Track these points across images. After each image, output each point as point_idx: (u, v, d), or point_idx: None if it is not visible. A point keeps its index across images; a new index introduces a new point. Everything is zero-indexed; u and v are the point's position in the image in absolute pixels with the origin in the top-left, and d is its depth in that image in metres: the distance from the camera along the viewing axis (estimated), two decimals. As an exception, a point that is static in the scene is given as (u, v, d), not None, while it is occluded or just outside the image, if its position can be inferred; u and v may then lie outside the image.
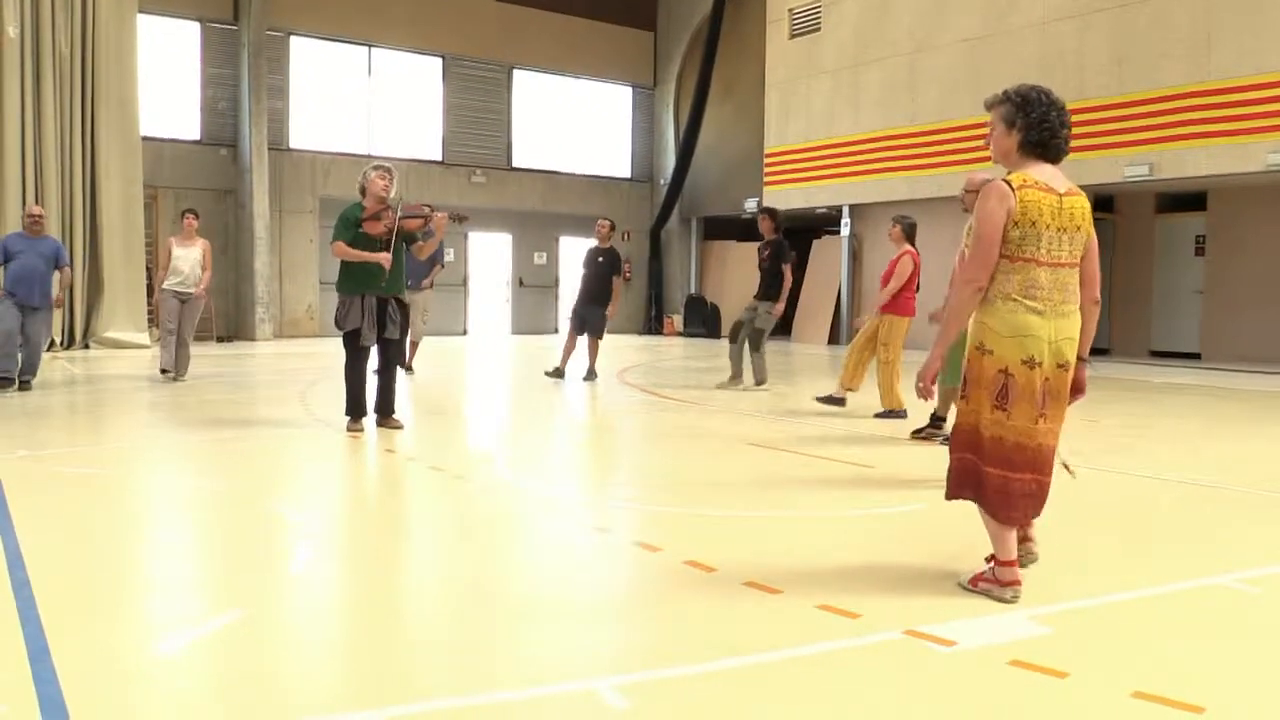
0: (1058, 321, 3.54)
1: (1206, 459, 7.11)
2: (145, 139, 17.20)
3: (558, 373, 11.86)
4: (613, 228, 12.30)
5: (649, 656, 3.11)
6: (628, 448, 7.63)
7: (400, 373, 8.54)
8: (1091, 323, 3.72)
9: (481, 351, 17.12)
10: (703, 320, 22.95)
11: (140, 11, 17.04)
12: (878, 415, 8.70)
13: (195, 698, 2.82)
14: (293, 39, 19.90)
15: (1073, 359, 3.62)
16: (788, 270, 10.67)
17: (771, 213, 11.08)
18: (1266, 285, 15.36)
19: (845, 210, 19.76)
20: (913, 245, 8.77)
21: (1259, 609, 3.71)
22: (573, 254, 24.12)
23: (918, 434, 7.53)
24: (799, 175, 20.31)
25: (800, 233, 23.37)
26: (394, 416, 7.68)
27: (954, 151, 17.23)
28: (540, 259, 23.56)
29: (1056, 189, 3.54)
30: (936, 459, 6.89)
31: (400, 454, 6.84)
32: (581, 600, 3.74)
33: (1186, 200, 16.58)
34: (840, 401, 9.20)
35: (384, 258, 7.33)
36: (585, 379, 11.76)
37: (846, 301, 20.15)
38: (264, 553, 4.37)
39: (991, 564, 3.69)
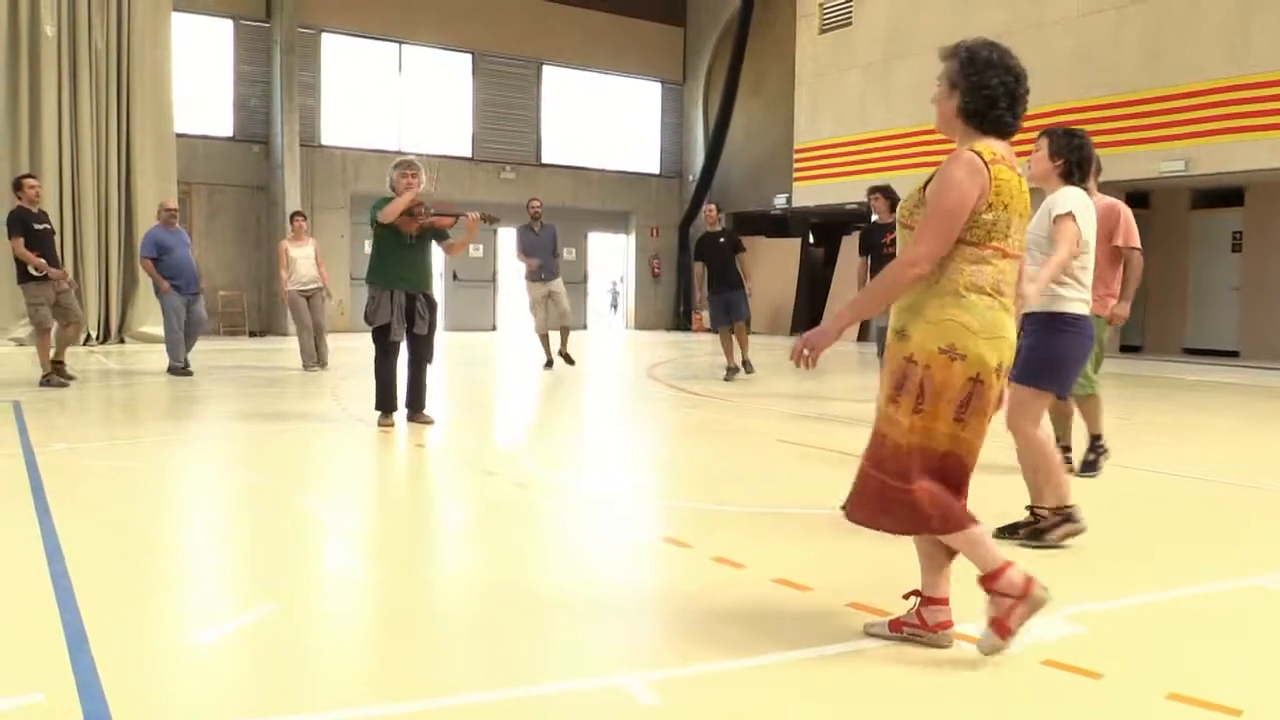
0: (1012, 321, 3.09)
1: (1242, 458, 7.01)
2: (179, 136, 17.39)
3: (732, 371, 11.36)
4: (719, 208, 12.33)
5: (679, 653, 3.11)
6: (657, 444, 7.63)
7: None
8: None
9: (511, 347, 17.18)
10: (732, 317, 22.86)
11: (174, 9, 17.23)
12: None
13: (229, 687, 2.86)
14: (324, 36, 20.03)
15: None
16: None
17: (886, 191, 9.61)
18: (1305, 282, 15.12)
19: (876, 206, 19.63)
20: None
21: (1297, 610, 3.66)
22: (601, 250, 24.17)
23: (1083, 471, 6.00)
24: (830, 171, 20.20)
25: (831, 228, 23.29)
26: (425, 411, 7.71)
27: (986, 146, 17.06)
28: (569, 254, 23.57)
29: (1016, 169, 3.06)
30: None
31: (431, 449, 6.88)
32: (611, 596, 3.75)
33: (1223, 196, 16.34)
34: None
35: (411, 197, 7.27)
36: (748, 372, 11.40)
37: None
38: (297, 546, 4.41)
39: (919, 604, 3.19)
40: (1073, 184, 4.55)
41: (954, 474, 3.05)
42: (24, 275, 9.63)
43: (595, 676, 2.92)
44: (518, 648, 3.14)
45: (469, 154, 21.76)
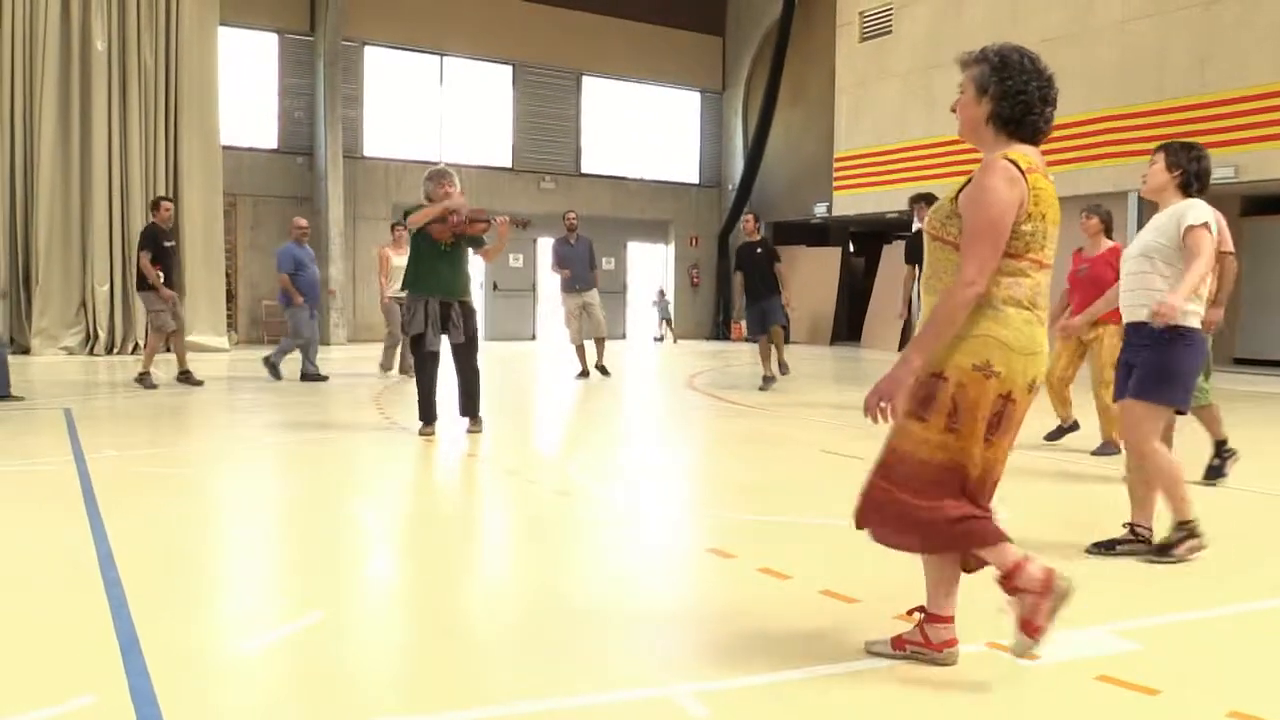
0: (1046, 336, 2.96)
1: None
2: (225, 148, 17.66)
3: (768, 380, 11.58)
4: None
5: (726, 664, 3.09)
6: (699, 453, 7.60)
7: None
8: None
9: (552, 357, 17.23)
10: (771, 326, 22.75)
11: (221, 24, 17.52)
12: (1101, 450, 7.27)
13: (277, 694, 2.88)
14: (367, 49, 20.26)
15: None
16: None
17: (929, 199, 9.51)
18: (1360, 290, 14.78)
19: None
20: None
21: (1361, 627, 3.56)
22: (641, 259, 24.19)
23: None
24: (869, 180, 20.09)
25: (871, 237, 23.17)
26: (476, 419, 7.72)
27: (1029, 154, 16.89)
28: (608, 264, 23.62)
29: (1049, 177, 2.93)
30: (1015, 468, 6.73)
31: (475, 457, 6.91)
32: (656, 606, 3.73)
33: (1275, 202, 16.04)
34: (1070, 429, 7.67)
35: (441, 208, 7.45)
36: (783, 374, 12.01)
37: (918, 308, 19.83)
38: (342, 555, 4.44)
39: (922, 620, 3.10)
40: (1192, 195, 4.44)
41: (976, 492, 2.94)
42: (143, 284, 10.88)
43: (642, 687, 2.90)
44: (563, 658, 3.13)
45: (509, 164, 21.90)
